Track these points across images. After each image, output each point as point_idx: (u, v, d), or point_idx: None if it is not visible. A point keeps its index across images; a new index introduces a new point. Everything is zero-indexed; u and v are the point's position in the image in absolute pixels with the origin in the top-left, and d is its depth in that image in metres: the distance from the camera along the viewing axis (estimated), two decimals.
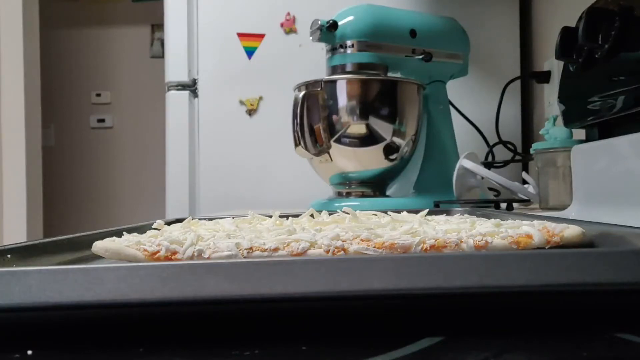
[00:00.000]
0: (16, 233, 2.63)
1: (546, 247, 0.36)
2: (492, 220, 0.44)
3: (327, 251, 0.34)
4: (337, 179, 1.09)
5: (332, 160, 1.05)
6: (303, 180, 1.33)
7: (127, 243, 0.36)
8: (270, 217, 0.51)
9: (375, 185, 1.09)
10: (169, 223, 0.55)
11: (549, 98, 1.24)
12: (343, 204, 1.03)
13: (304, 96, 1.01)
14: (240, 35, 1.44)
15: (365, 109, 1.03)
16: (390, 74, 1.08)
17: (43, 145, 2.90)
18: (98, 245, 0.38)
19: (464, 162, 1.00)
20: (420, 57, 1.07)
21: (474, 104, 1.36)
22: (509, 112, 1.38)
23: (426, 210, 0.56)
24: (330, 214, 0.51)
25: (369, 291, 0.25)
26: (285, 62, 1.42)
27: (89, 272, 0.25)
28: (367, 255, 0.33)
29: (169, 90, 1.46)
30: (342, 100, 1.03)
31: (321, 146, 1.03)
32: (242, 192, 1.43)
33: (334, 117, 1.02)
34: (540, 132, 0.91)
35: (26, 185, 2.65)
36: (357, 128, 1.02)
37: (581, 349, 0.23)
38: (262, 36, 1.44)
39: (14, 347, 0.25)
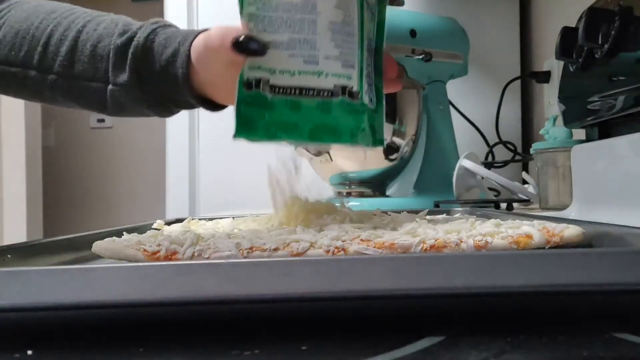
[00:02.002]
0: (16, 233, 2.63)
1: (546, 247, 0.36)
2: (492, 220, 0.44)
3: (327, 251, 0.34)
4: (337, 179, 1.08)
5: (332, 160, 1.05)
6: (303, 180, 1.33)
7: (127, 243, 0.36)
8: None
9: (375, 185, 1.08)
10: (169, 223, 0.55)
11: (549, 98, 1.24)
12: None
13: None
14: None
15: None
16: None
17: (43, 145, 2.90)
18: (98, 245, 0.38)
19: (464, 162, 1.00)
20: (420, 57, 1.07)
21: (474, 104, 1.36)
22: (509, 112, 1.38)
23: (426, 210, 0.56)
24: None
25: (369, 291, 0.25)
26: None
27: (89, 272, 0.25)
28: (367, 255, 0.33)
29: None
30: None
31: None
32: (242, 192, 1.43)
33: None
34: (540, 132, 0.91)
35: (26, 185, 2.65)
36: None
37: (581, 349, 0.23)
38: None
39: (14, 347, 0.25)
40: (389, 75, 0.50)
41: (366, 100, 0.46)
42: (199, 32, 0.51)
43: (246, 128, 0.45)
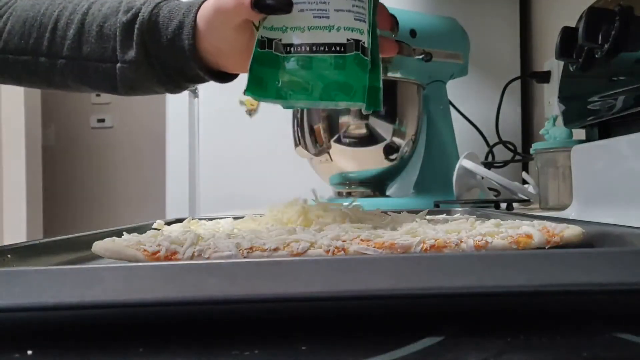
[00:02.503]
0: (16, 233, 2.63)
1: (546, 247, 0.36)
2: (492, 220, 0.44)
3: (327, 251, 0.34)
4: (337, 179, 1.09)
5: (332, 160, 1.05)
6: (303, 180, 1.33)
7: (127, 243, 0.36)
8: None
9: (375, 185, 1.09)
10: (169, 223, 0.55)
11: (549, 98, 1.24)
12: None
13: None
14: None
15: None
16: (390, 74, 1.08)
17: (43, 145, 2.90)
18: (98, 245, 0.38)
19: (464, 162, 1.00)
20: (420, 57, 1.08)
21: (474, 104, 1.36)
22: (509, 112, 1.38)
23: (426, 210, 0.56)
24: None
25: (369, 291, 0.25)
26: None
27: (89, 272, 0.25)
28: (367, 255, 0.33)
29: None
30: None
31: (321, 146, 1.03)
32: (242, 192, 1.43)
33: (334, 117, 1.02)
34: (540, 132, 0.91)
35: (26, 184, 2.65)
36: (357, 128, 1.02)
37: (581, 349, 0.23)
38: None
39: (14, 347, 0.25)
40: (382, 27, 0.48)
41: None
42: (203, 1, 0.51)
43: (257, 87, 0.44)
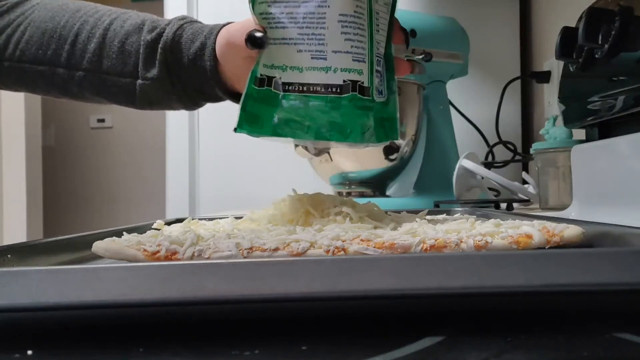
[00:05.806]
0: (16, 233, 2.63)
1: (546, 247, 0.36)
2: (492, 220, 0.44)
3: (327, 251, 0.34)
4: (337, 179, 1.09)
5: (332, 160, 1.05)
6: (303, 180, 1.33)
7: (127, 243, 0.36)
8: None
9: (375, 185, 1.08)
10: (169, 223, 0.55)
11: (549, 98, 1.24)
12: None
13: None
14: None
15: None
16: None
17: (43, 145, 2.90)
18: (98, 245, 0.38)
19: (464, 162, 1.00)
20: (420, 57, 1.07)
21: (474, 104, 1.36)
22: (509, 112, 1.38)
23: (426, 210, 0.56)
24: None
25: (369, 291, 0.25)
26: None
27: (89, 272, 0.25)
28: (367, 255, 0.33)
29: None
30: None
31: (321, 146, 1.03)
32: (242, 192, 1.43)
33: None
34: (540, 132, 0.91)
35: (26, 185, 2.65)
36: None
37: (581, 349, 0.23)
38: None
39: (14, 347, 0.25)
40: (395, 41, 0.49)
41: (375, 94, 0.46)
42: (222, 26, 0.52)
43: (251, 124, 0.45)
